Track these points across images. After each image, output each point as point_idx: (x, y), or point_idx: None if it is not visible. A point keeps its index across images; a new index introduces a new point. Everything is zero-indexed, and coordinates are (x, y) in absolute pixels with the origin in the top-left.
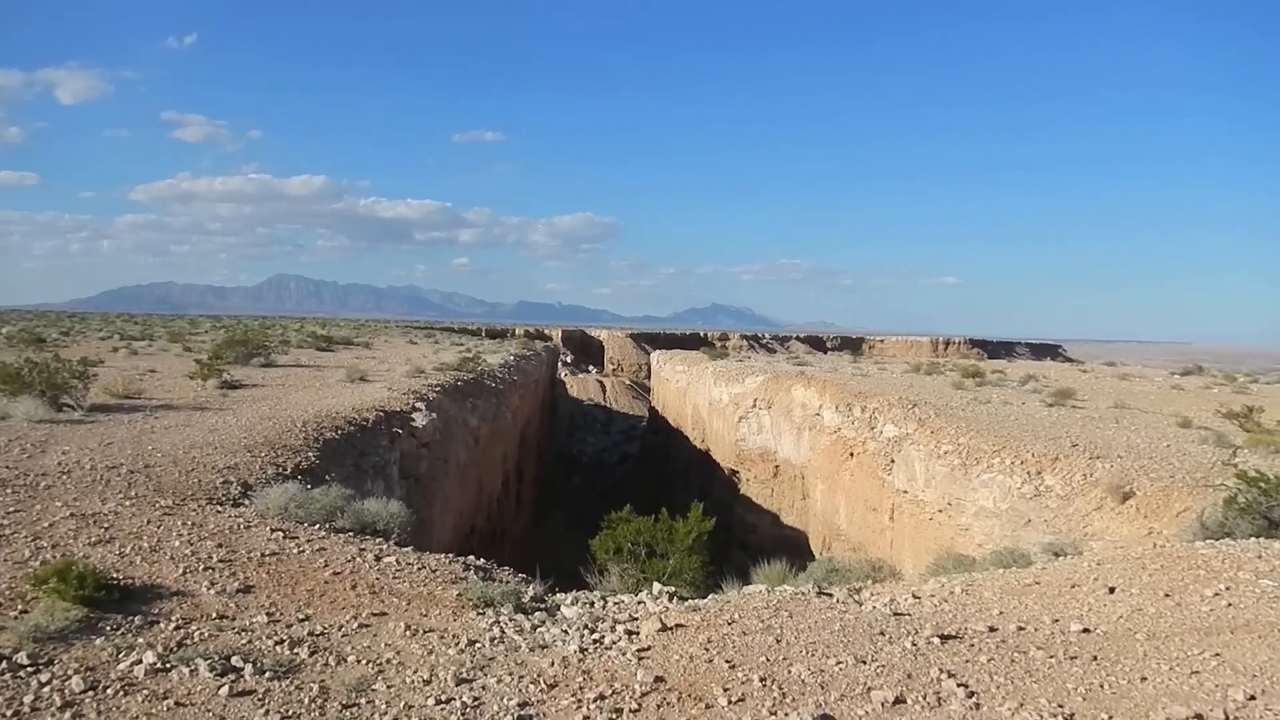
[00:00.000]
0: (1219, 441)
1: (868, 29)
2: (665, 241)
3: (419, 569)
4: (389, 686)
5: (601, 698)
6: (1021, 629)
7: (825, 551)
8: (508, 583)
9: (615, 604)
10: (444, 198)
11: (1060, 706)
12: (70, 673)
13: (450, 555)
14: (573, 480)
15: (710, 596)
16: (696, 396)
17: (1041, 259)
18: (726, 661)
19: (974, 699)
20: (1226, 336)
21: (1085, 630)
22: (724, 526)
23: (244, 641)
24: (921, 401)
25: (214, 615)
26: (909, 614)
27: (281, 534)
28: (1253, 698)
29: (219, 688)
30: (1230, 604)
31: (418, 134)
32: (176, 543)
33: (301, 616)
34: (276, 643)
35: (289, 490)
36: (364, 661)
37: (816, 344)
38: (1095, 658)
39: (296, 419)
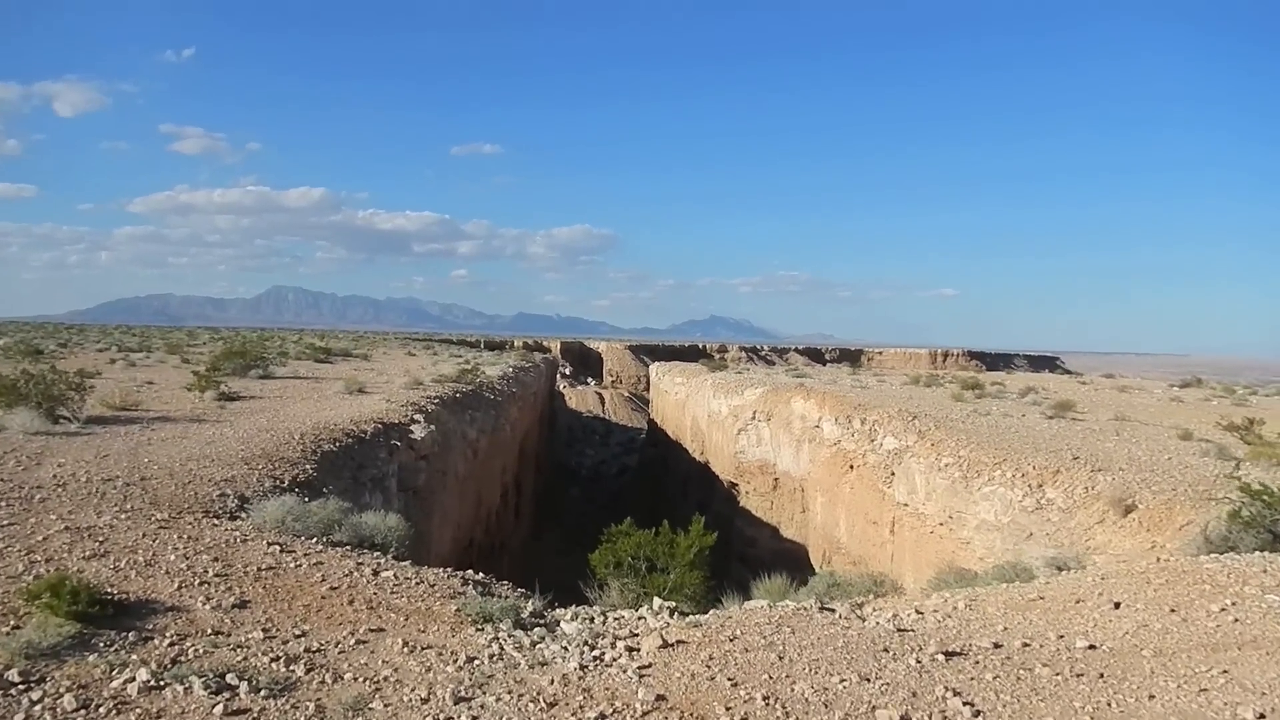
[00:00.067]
0: (1220, 454)
1: (866, 42)
2: (664, 254)
3: (417, 583)
4: (386, 705)
5: (602, 717)
6: (1026, 645)
7: (825, 565)
8: (507, 598)
9: (615, 620)
10: (443, 210)
11: None
12: (62, 691)
13: (449, 569)
14: (571, 493)
15: (711, 612)
16: (695, 409)
17: (1039, 271)
18: (729, 679)
19: (980, 718)
20: (1225, 348)
21: (1091, 647)
22: (723, 539)
23: (239, 658)
24: (921, 414)
25: (209, 631)
26: (912, 630)
27: (278, 548)
28: (1263, 716)
29: (213, 706)
30: (1237, 619)
31: (416, 146)
32: (172, 556)
33: (298, 632)
34: (272, 660)
35: (286, 503)
36: (361, 679)
37: (815, 356)
38: (1102, 675)
39: (294, 431)
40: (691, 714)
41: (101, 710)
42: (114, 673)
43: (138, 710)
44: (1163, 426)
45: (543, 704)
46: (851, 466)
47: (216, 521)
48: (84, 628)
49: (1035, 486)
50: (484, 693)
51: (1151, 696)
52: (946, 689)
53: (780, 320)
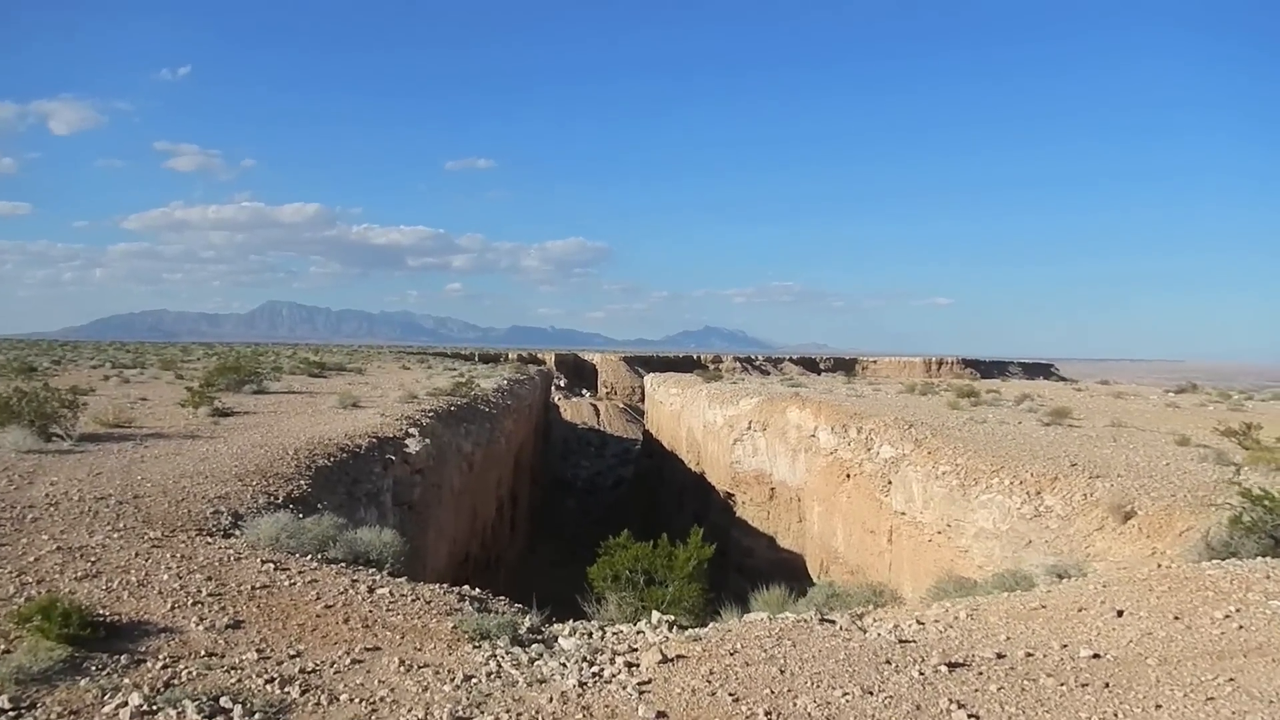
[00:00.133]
0: (1218, 459)
1: (859, 51)
2: (657, 265)
3: (413, 600)
4: None
5: None
6: (1030, 655)
7: (823, 575)
8: (504, 613)
9: (614, 634)
10: (437, 224)
11: None
12: (53, 716)
13: (445, 585)
14: (567, 505)
15: (711, 625)
16: (691, 419)
17: (1033, 278)
18: (730, 694)
19: None
20: (1220, 354)
21: (1095, 656)
22: (720, 550)
23: (233, 680)
24: (918, 422)
25: (203, 653)
26: (914, 641)
27: (273, 565)
28: None
29: None
30: (1241, 626)
31: (410, 162)
32: (165, 576)
33: (293, 653)
34: (267, 681)
35: (280, 520)
36: (357, 700)
37: (810, 365)
38: (1107, 685)
39: (288, 446)
40: None
41: None
42: (106, 697)
43: None
44: (1159, 432)
45: None
46: (848, 475)
47: (210, 539)
48: (76, 651)
49: (1033, 494)
50: (482, 712)
51: (1158, 706)
52: (951, 701)
53: (774, 330)
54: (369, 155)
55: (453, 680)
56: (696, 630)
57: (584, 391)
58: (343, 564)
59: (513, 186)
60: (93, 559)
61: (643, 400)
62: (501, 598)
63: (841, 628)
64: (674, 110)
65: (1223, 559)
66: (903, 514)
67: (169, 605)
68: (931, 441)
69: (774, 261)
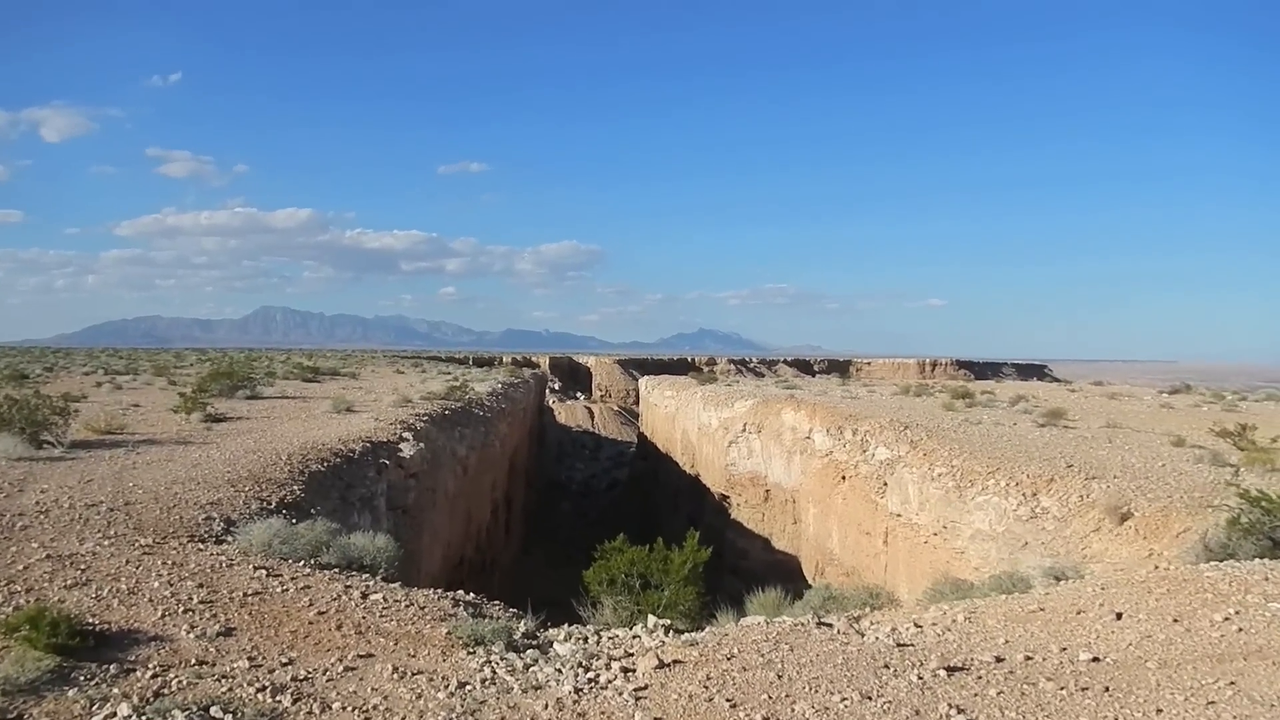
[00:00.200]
0: (1214, 460)
1: (853, 52)
2: (651, 268)
3: (406, 606)
4: None
5: None
6: (1029, 659)
7: (818, 577)
8: (498, 619)
9: (610, 639)
10: (430, 228)
11: None
12: None
13: (439, 591)
14: (562, 508)
15: (708, 629)
16: (685, 422)
17: (1026, 280)
18: (727, 700)
19: None
20: (1213, 355)
21: (1095, 659)
22: (715, 552)
23: (224, 689)
24: (913, 423)
25: (193, 661)
26: (912, 644)
27: (265, 572)
28: None
29: None
30: (1241, 629)
31: (403, 166)
32: (156, 584)
33: (285, 660)
34: (258, 690)
35: (273, 526)
36: (350, 708)
37: (804, 367)
38: (1107, 688)
39: (281, 451)
40: None
41: None
42: (94, 708)
43: None
44: (1155, 433)
45: None
46: (843, 477)
47: (202, 546)
48: (64, 661)
49: (1029, 495)
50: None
51: (1159, 710)
52: (950, 706)
53: (769, 332)
54: (361, 160)
55: (447, 687)
56: (693, 635)
57: (579, 394)
58: (336, 570)
59: (506, 190)
60: (83, 567)
61: (637, 403)
62: (496, 602)
63: (839, 631)
64: (667, 113)
65: (1221, 561)
66: (898, 516)
67: (159, 613)
68: (927, 443)
69: (768, 263)
